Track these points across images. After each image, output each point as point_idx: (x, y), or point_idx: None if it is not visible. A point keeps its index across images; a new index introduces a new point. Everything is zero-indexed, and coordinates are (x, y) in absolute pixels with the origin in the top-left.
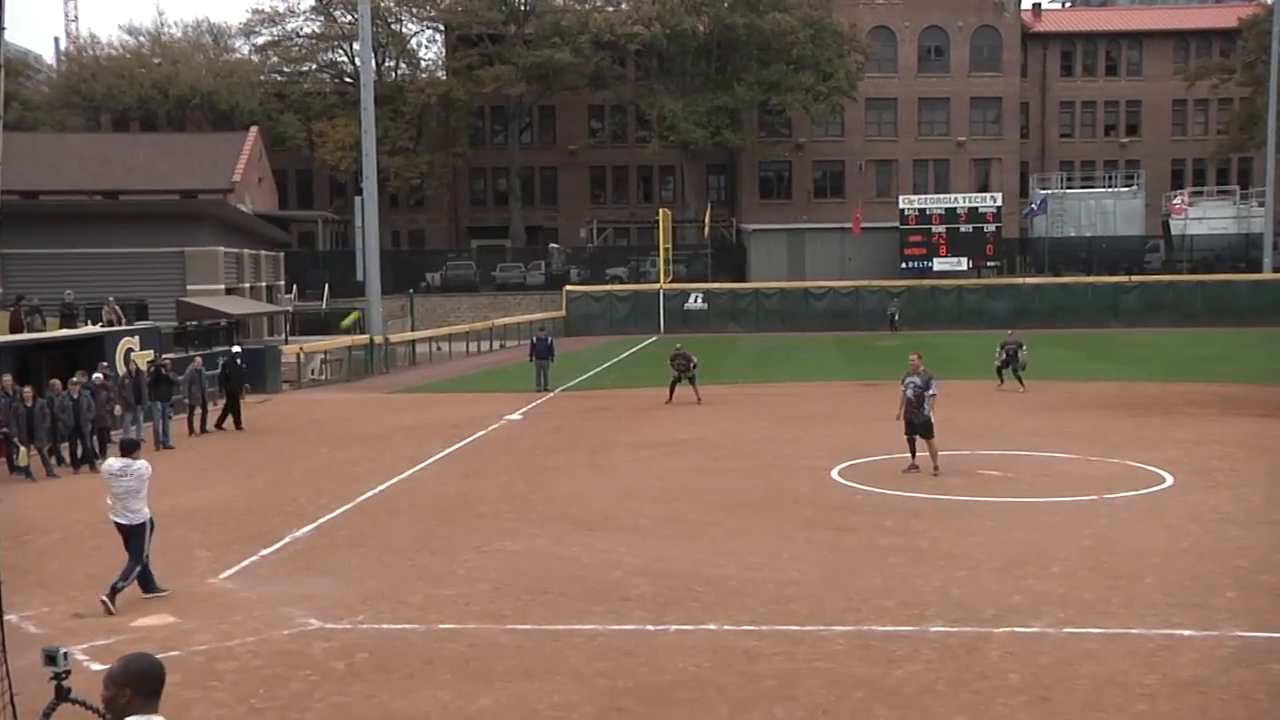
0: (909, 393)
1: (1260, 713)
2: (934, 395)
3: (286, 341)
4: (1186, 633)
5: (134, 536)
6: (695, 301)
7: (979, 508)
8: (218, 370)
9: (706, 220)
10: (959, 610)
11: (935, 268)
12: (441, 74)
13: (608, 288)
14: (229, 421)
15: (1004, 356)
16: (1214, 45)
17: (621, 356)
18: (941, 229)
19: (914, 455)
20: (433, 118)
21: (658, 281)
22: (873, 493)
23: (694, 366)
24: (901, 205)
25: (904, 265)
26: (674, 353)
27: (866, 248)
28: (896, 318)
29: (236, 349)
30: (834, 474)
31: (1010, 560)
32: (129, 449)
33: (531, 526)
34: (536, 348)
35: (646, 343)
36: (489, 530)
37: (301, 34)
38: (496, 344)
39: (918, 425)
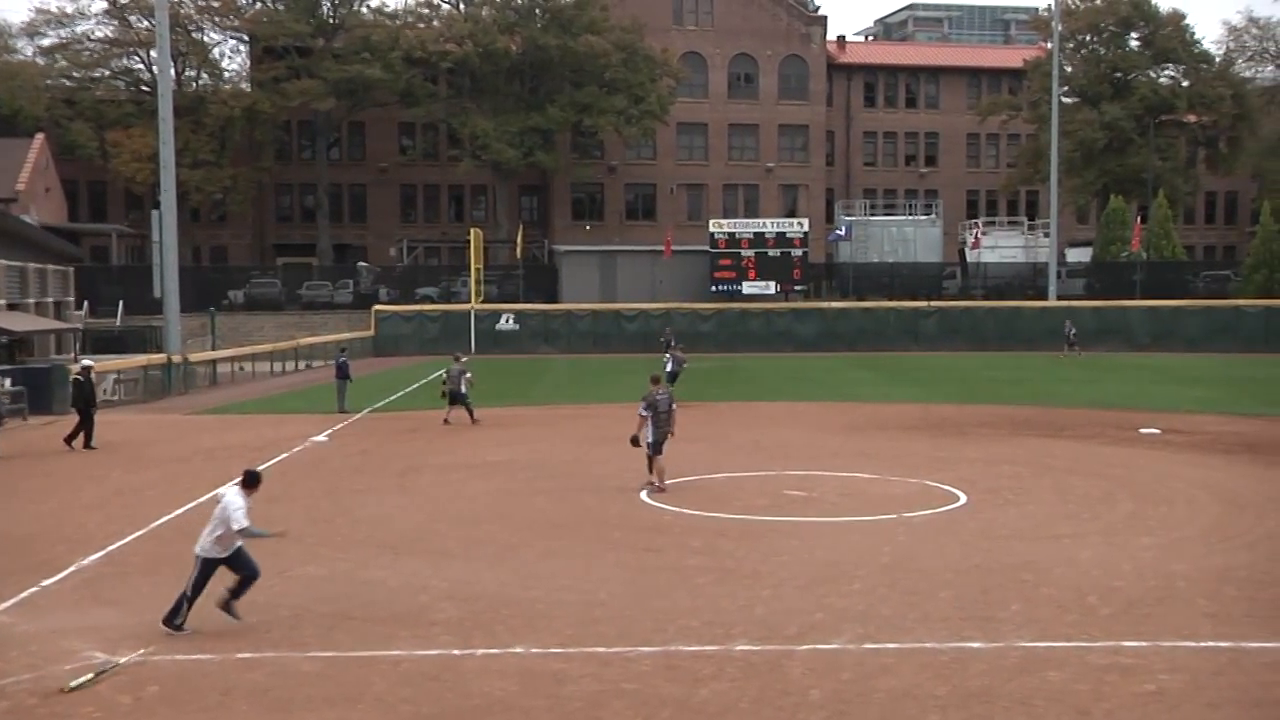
0: (663, 409)
1: (1038, 718)
2: (644, 415)
3: (76, 360)
4: (976, 645)
5: None
6: (507, 322)
7: (784, 527)
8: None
9: (519, 241)
10: (763, 629)
11: (744, 290)
12: (246, 86)
13: (418, 307)
14: (79, 440)
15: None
16: (1003, 83)
17: (431, 377)
18: (750, 253)
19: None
20: (237, 131)
21: (469, 302)
22: (681, 514)
23: (468, 385)
24: (712, 229)
25: (714, 288)
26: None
27: (677, 270)
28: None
29: (88, 363)
30: (643, 495)
31: (813, 578)
32: None
33: (336, 550)
34: (340, 368)
35: (460, 363)
36: (291, 555)
37: (93, 38)
38: (302, 364)
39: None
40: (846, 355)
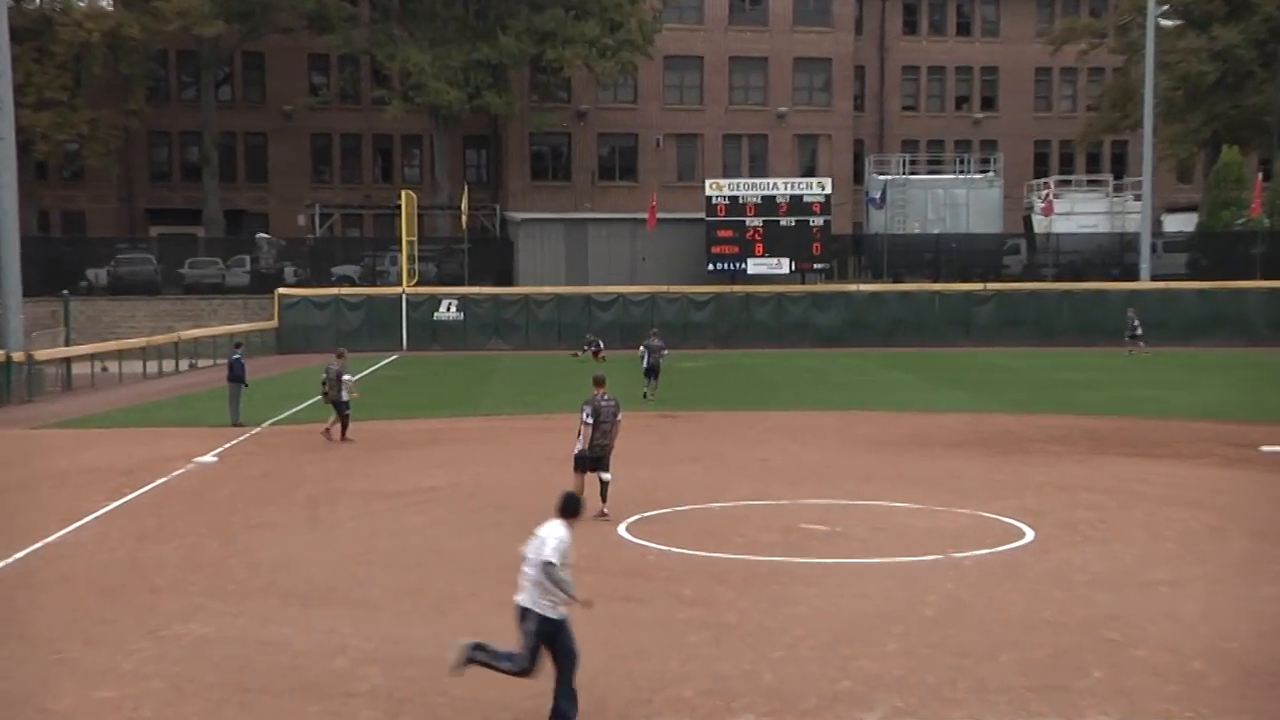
0: (605, 417)
1: None
2: (587, 423)
3: None
4: None
5: None
6: (448, 310)
7: (799, 571)
8: None
9: (463, 207)
10: (774, 700)
11: (750, 270)
12: (107, 3)
13: (334, 291)
14: None
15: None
16: (1083, 2)
17: (356, 377)
18: (758, 222)
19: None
20: (96, 62)
21: (399, 284)
22: (669, 552)
23: (349, 391)
24: (709, 191)
25: (711, 267)
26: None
27: (664, 244)
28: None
29: None
30: (622, 530)
31: (837, 636)
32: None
33: (228, 603)
34: (234, 368)
35: (385, 362)
36: (170, 609)
37: None
38: (185, 364)
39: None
40: (879, 352)
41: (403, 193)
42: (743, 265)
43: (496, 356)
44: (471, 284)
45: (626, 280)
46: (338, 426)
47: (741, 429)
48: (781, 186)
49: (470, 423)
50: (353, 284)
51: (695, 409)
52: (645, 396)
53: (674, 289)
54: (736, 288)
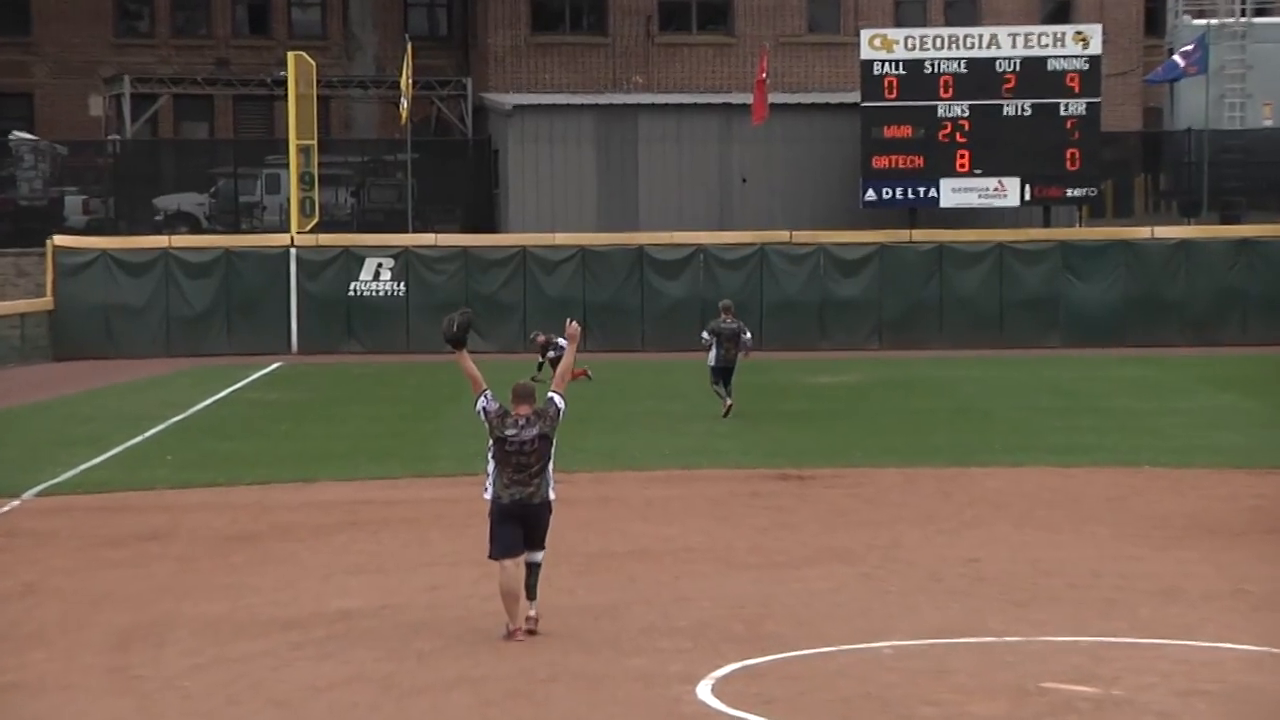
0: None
1: None
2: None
3: None
4: None
5: None
6: (377, 279)
7: None
8: None
9: (404, 83)
10: None
11: (945, 201)
12: None
13: (159, 241)
14: None
15: None
16: None
17: (196, 408)
18: (960, 108)
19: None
20: None
21: (285, 228)
22: None
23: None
24: (867, 52)
25: (868, 196)
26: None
27: (781, 153)
28: None
29: None
30: (704, 691)
31: None
32: None
33: None
34: None
35: (258, 375)
36: None
37: None
38: None
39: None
40: (1191, 355)
41: (290, 55)
42: (930, 190)
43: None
44: (421, 229)
45: (711, 220)
46: None
47: (928, 501)
48: (1006, 41)
49: (415, 490)
50: (197, 228)
51: (841, 462)
52: (726, 415)
53: (801, 236)
54: (917, 233)
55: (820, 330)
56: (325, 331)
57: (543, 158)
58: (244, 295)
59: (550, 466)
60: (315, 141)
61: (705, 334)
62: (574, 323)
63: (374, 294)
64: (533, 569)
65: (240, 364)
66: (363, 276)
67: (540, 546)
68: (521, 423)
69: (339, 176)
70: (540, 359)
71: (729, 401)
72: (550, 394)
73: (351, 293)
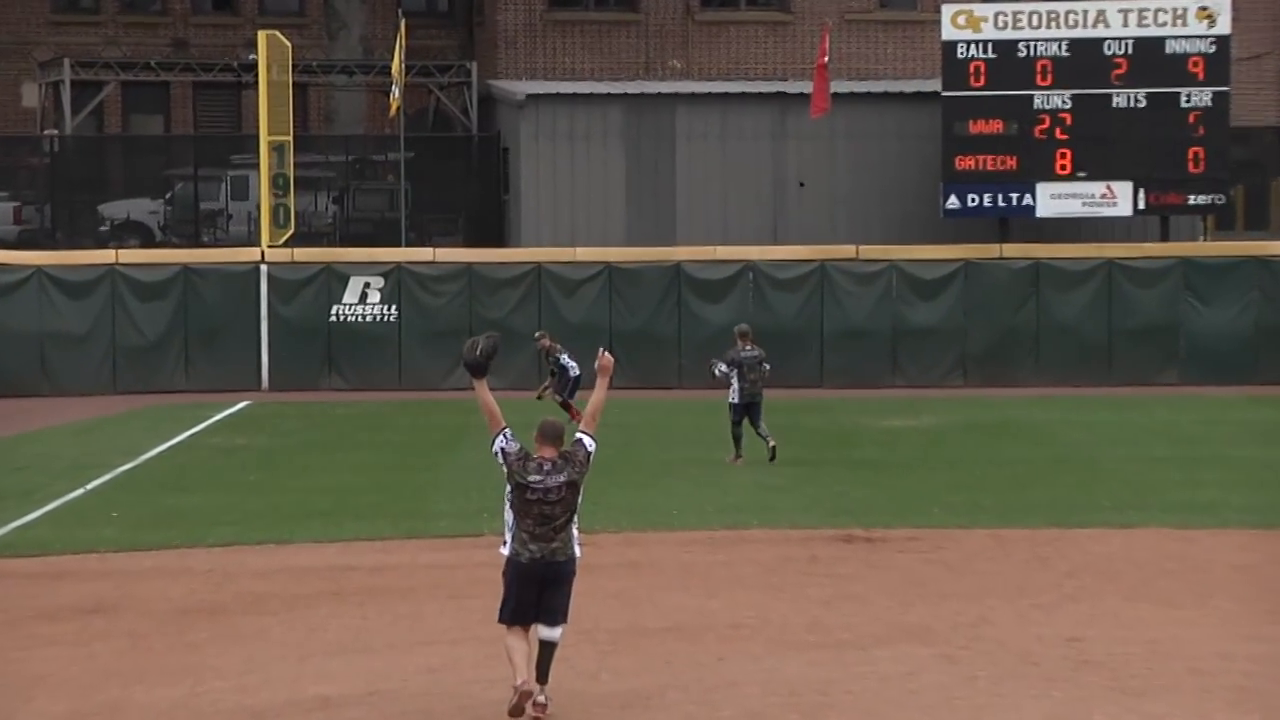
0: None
1: None
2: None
3: None
4: None
5: None
6: (364, 302)
7: None
8: None
9: (396, 69)
10: None
11: (1041, 209)
12: None
13: (107, 257)
14: None
15: None
16: None
17: (148, 455)
18: (1062, 99)
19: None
20: None
21: (254, 240)
22: None
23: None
24: (949, 32)
25: (950, 203)
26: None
27: (847, 149)
28: None
29: None
30: None
31: None
32: None
33: None
34: None
35: (224, 414)
36: None
37: None
38: None
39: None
40: None
41: (260, 35)
42: (1025, 197)
43: (470, 400)
44: (416, 242)
45: (761, 232)
46: None
47: (1021, 569)
48: (1116, 19)
49: (408, 553)
50: (149, 240)
51: (917, 521)
52: (771, 459)
53: (869, 252)
54: (1009, 248)
55: (892, 364)
56: (302, 364)
57: (561, 157)
58: (205, 321)
59: (575, 521)
60: (291, 138)
61: (722, 365)
62: (606, 353)
63: (360, 319)
64: (547, 648)
65: (201, 402)
66: (346, 299)
67: (560, 619)
68: (547, 467)
69: (319, 179)
70: (543, 386)
71: (772, 443)
72: (579, 435)
73: (333, 318)
